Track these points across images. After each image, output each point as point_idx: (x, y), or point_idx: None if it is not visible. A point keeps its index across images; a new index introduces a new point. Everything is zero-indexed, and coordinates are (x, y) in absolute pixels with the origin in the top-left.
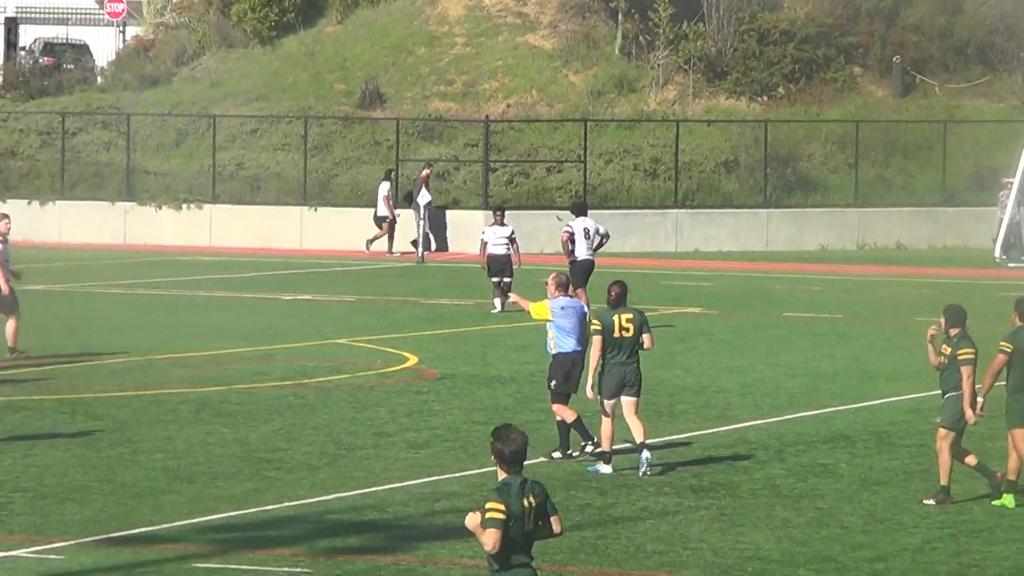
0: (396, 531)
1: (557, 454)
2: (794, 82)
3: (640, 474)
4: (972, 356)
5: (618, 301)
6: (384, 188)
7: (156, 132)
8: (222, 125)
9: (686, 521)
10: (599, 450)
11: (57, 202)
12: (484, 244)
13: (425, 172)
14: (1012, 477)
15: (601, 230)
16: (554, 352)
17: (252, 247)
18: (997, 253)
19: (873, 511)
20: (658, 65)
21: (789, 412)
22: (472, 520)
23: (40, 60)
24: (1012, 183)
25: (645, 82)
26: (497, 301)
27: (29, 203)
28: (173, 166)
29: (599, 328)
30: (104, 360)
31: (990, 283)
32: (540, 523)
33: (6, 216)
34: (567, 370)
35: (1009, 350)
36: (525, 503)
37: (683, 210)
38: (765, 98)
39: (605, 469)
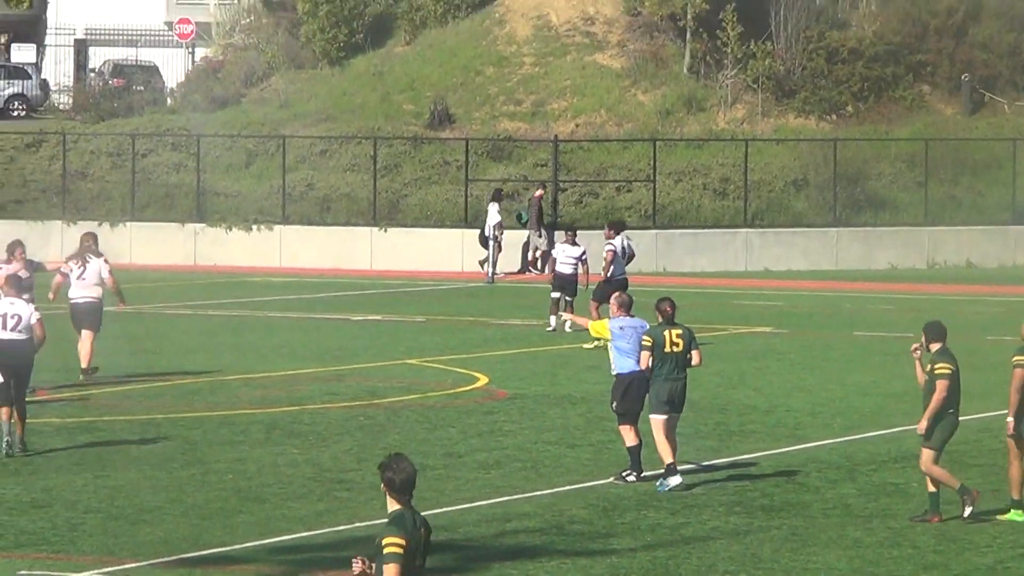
0: (467, 552)
1: (632, 477)
2: (863, 100)
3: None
4: (948, 371)
5: (670, 318)
6: (494, 209)
7: (225, 153)
8: (291, 146)
9: (757, 541)
10: (667, 463)
11: (127, 224)
12: (554, 261)
13: (539, 192)
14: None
15: (633, 247)
16: (614, 373)
17: (322, 268)
18: None
19: (945, 531)
20: (726, 84)
21: (860, 431)
22: (358, 566)
23: (110, 82)
24: None
25: (713, 101)
26: (553, 319)
27: (100, 224)
28: (243, 187)
29: (649, 344)
30: (175, 381)
31: None
32: (425, 558)
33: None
34: (624, 390)
35: None
36: (419, 535)
37: (752, 229)
38: (834, 116)
39: (675, 481)
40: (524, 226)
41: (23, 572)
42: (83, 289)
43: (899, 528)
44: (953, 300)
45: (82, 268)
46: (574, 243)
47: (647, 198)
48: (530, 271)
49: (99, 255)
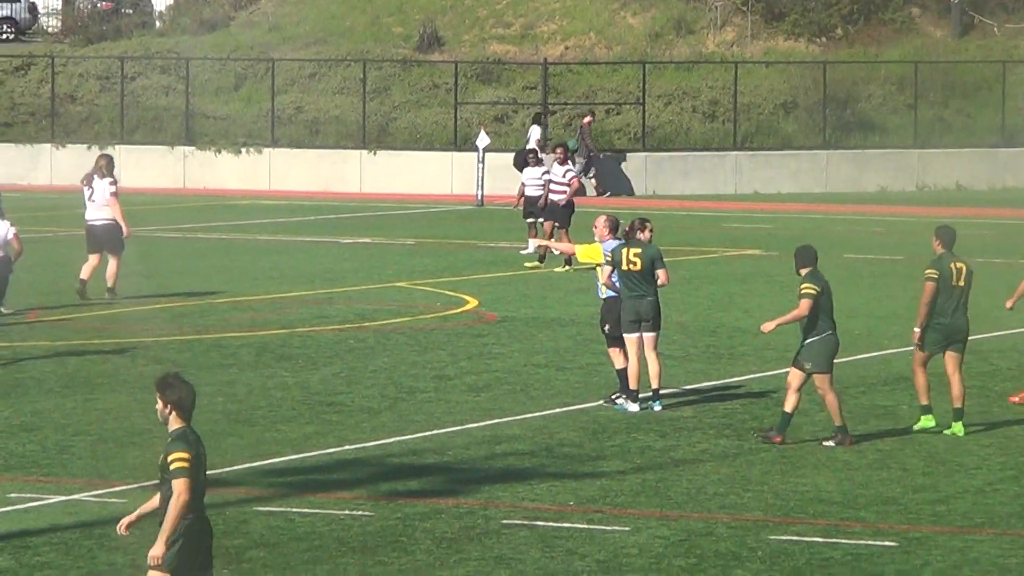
0: (456, 474)
1: (621, 399)
2: (852, 23)
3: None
4: (813, 292)
5: (627, 235)
6: (536, 132)
7: (215, 76)
8: (280, 69)
9: (747, 463)
10: (630, 389)
11: (116, 147)
12: (522, 185)
13: (588, 119)
14: (958, 404)
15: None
16: (605, 296)
17: (311, 191)
18: None
19: (934, 453)
20: (716, 6)
21: (849, 354)
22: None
23: (99, 5)
24: None
25: (703, 23)
26: (531, 242)
27: (89, 148)
28: (232, 110)
29: (609, 260)
30: (164, 304)
31: None
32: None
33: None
34: (618, 312)
35: (935, 276)
36: (202, 451)
37: (742, 152)
38: (823, 39)
39: (632, 407)
40: (574, 153)
41: (14, 495)
42: (95, 211)
43: (888, 450)
44: (943, 222)
45: (90, 190)
46: (564, 161)
47: (636, 121)
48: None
49: (104, 176)
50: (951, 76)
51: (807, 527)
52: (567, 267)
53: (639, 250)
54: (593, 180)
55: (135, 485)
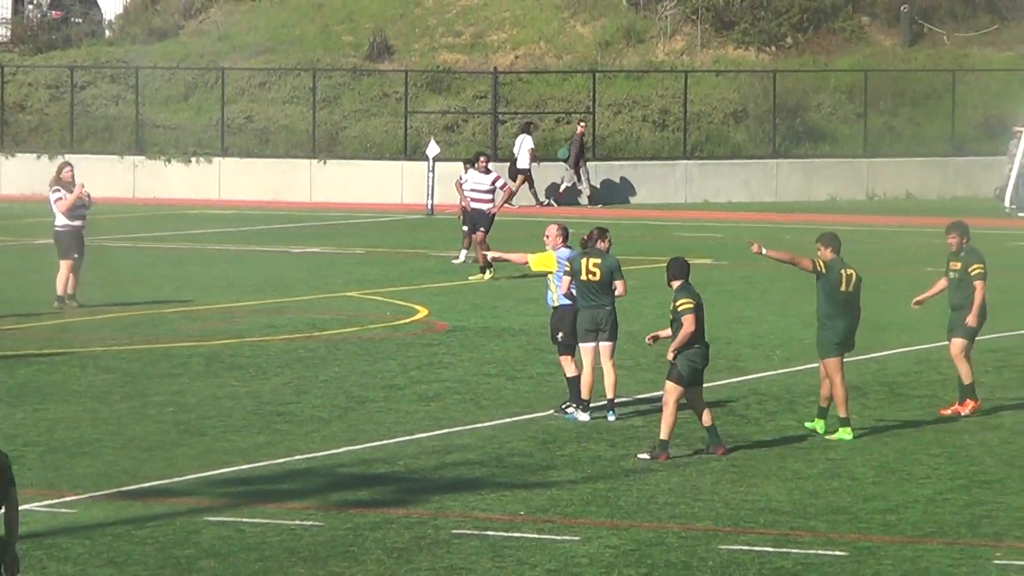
0: (407, 484)
1: (571, 409)
2: (802, 32)
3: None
4: (691, 306)
5: (584, 245)
6: (528, 142)
7: (164, 86)
8: (230, 78)
9: (697, 473)
10: (581, 398)
11: (66, 156)
12: (511, 192)
13: (580, 128)
14: (824, 404)
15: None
16: (556, 304)
17: (261, 200)
18: (1007, 203)
19: (884, 462)
20: (666, 15)
21: (800, 363)
22: None
23: (48, 14)
24: (1022, 132)
25: (653, 32)
26: (463, 252)
27: (38, 157)
28: (182, 119)
29: (568, 270)
30: (115, 313)
31: (999, 233)
32: (7, 489)
33: (68, 165)
34: (572, 321)
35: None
36: (4, 459)
37: (692, 161)
38: (773, 48)
39: (583, 417)
40: (565, 162)
41: None
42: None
43: (838, 459)
44: (893, 231)
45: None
46: (487, 171)
47: (588, 130)
48: (552, 203)
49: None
50: (901, 85)
51: (757, 536)
52: (483, 275)
53: (599, 260)
54: (585, 189)
55: (85, 495)
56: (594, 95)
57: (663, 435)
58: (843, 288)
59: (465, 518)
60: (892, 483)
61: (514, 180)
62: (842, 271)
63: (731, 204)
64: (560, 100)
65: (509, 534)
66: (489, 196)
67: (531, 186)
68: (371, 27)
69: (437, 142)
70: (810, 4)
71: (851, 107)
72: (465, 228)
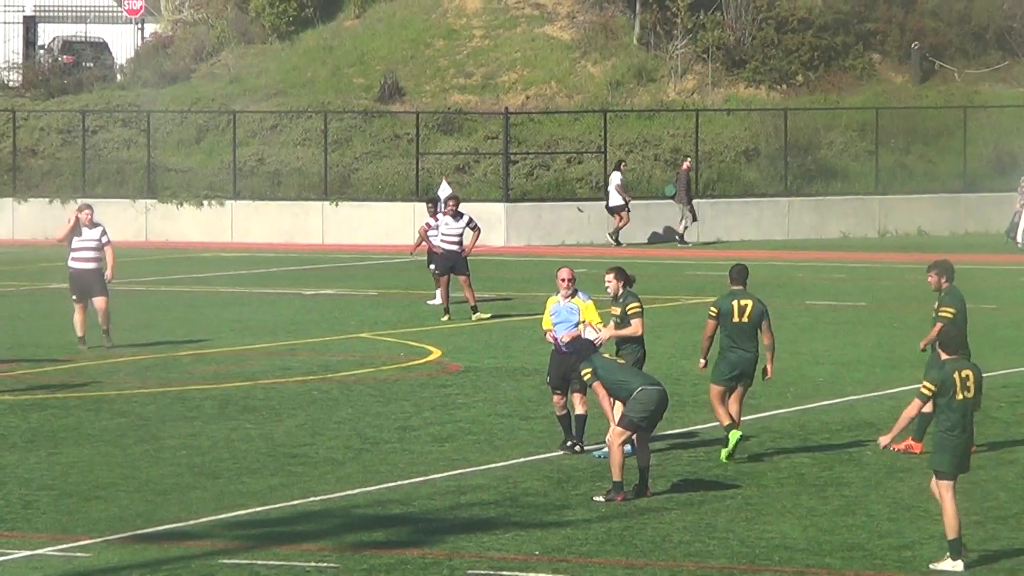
0: (422, 525)
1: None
2: (813, 70)
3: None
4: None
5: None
6: (616, 178)
7: (176, 129)
8: (242, 121)
9: (712, 511)
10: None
11: (78, 200)
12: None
13: (686, 164)
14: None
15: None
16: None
17: (273, 242)
18: (1019, 238)
19: (899, 499)
20: (677, 55)
21: (813, 401)
22: None
23: (59, 58)
24: None
25: (664, 72)
26: (439, 294)
27: (50, 202)
28: (193, 163)
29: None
30: (128, 357)
31: (1011, 268)
32: None
33: (88, 207)
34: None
35: (715, 313)
36: None
37: (704, 200)
38: (784, 86)
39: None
40: (672, 199)
41: None
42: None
43: (853, 496)
44: (905, 268)
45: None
46: (458, 215)
47: (598, 169)
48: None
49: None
50: (912, 122)
51: (773, 574)
52: (476, 315)
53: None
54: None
55: (100, 539)
56: (605, 135)
57: (616, 476)
58: (735, 318)
59: (480, 558)
60: (907, 520)
61: (616, 217)
62: (735, 302)
63: (743, 242)
64: (571, 140)
65: (524, 574)
66: (459, 239)
67: (620, 221)
68: (382, 69)
69: (449, 183)
70: (820, 42)
71: (863, 144)
72: (435, 270)
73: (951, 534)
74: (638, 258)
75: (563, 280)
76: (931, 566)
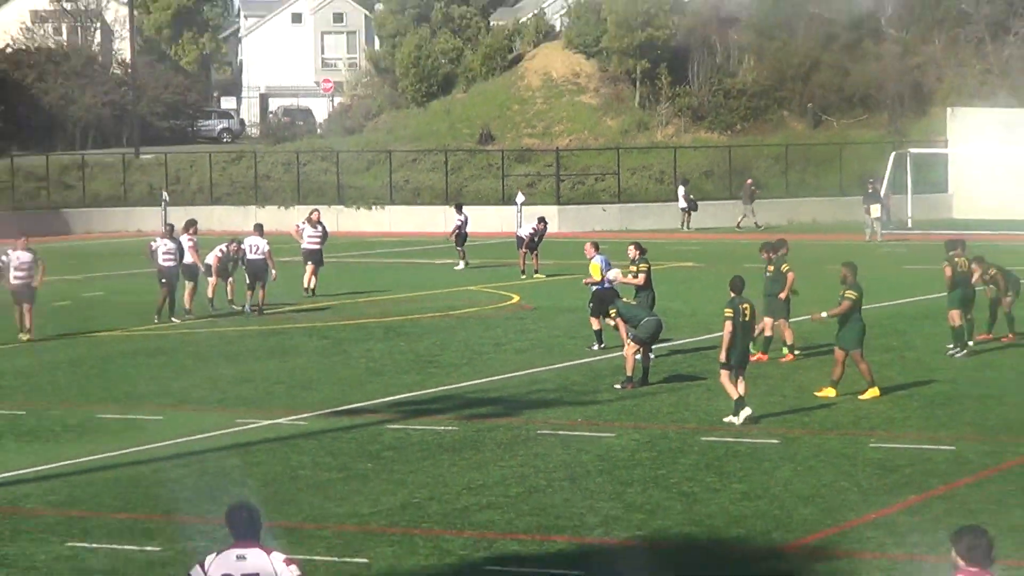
0: (509, 404)
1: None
2: (747, 121)
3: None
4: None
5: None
6: (681, 190)
7: (355, 162)
8: (395, 157)
9: (686, 394)
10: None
11: (294, 206)
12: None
13: (749, 181)
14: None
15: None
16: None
17: (416, 231)
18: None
19: (805, 383)
20: (662, 112)
21: (706, 333)
22: None
23: (282, 119)
24: (874, 182)
25: (654, 123)
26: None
27: (278, 207)
28: (366, 182)
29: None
30: (326, 302)
31: (867, 245)
32: None
33: (315, 209)
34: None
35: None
36: None
37: (678, 202)
38: (729, 132)
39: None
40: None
41: (239, 420)
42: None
43: (774, 382)
44: (803, 243)
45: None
46: (542, 220)
47: (614, 185)
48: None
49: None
50: (808, 154)
51: (725, 432)
52: (524, 276)
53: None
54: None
55: (312, 414)
56: (618, 163)
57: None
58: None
59: (545, 423)
60: (809, 385)
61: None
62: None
63: (703, 228)
64: (598, 166)
65: (572, 433)
66: (531, 233)
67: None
68: (480, 123)
69: (522, 193)
70: (751, 104)
71: (777, 168)
72: (522, 248)
73: (734, 397)
74: (639, 239)
75: (587, 248)
76: (723, 419)
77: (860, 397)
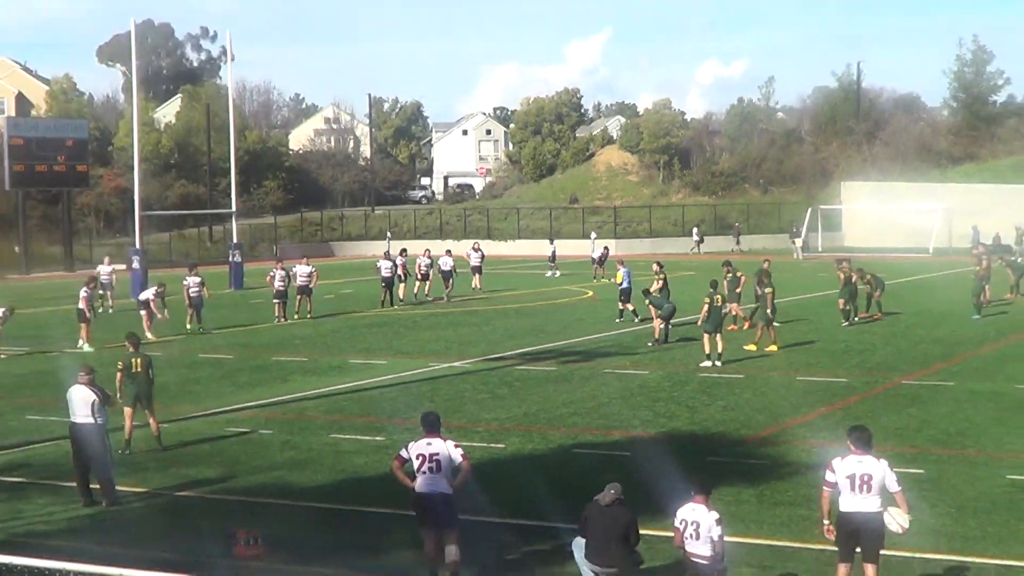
0: (585, 355)
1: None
2: (725, 190)
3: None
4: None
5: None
6: (735, 230)
7: (498, 214)
8: (522, 212)
9: (694, 351)
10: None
11: (463, 239)
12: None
13: (796, 228)
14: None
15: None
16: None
17: (531, 254)
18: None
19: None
20: (675, 185)
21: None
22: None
23: (453, 190)
24: (798, 226)
25: (671, 192)
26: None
27: (455, 240)
28: (505, 226)
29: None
30: (484, 295)
31: (795, 261)
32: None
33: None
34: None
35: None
36: None
37: (687, 238)
38: (714, 196)
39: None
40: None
41: (431, 363)
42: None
43: (742, 339)
44: (755, 262)
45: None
46: (605, 249)
47: (648, 228)
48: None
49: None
50: (760, 209)
51: (710, 371)
52: (595, 279)
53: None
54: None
55: (472, 359)
56: (650, 215)
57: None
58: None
59: (606, 366)
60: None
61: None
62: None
63: (698, 256)
64: (638, 217)
65: (623, 371)
66: (598, 254)
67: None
68: (570, 191)
69: (595, 232)
70: (727, 181)
71: (742, 217)
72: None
73: (707, 351)
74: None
75: (618, 263)
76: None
77: (767, 349)
